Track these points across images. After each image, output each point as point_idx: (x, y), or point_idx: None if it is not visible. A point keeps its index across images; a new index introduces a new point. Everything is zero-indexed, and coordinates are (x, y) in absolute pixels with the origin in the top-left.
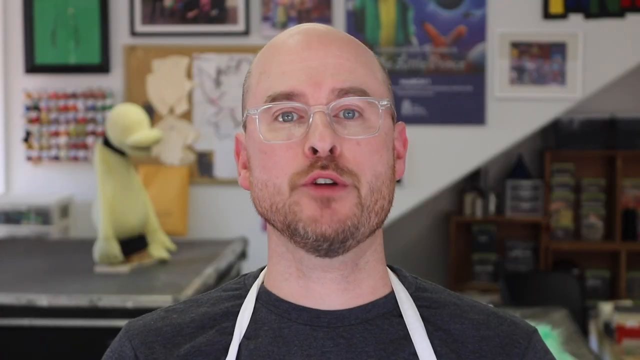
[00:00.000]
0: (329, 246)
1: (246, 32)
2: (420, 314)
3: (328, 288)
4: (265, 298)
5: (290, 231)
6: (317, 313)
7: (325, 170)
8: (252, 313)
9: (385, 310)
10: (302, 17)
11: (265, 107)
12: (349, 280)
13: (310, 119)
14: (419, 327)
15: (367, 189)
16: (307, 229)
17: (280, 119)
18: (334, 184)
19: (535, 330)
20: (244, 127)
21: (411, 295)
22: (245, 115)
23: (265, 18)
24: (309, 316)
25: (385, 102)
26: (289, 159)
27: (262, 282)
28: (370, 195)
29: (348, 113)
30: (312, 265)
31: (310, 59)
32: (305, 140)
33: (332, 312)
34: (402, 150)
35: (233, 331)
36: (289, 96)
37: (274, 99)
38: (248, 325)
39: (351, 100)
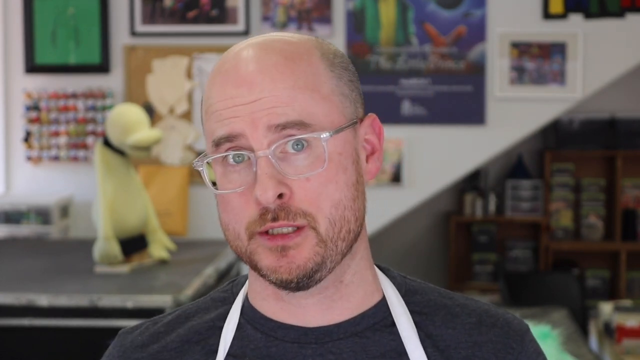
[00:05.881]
0: (296, 285)
1: (246, 32)
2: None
3: (311, 310)
4: (250, 314)
5: (257, 272)
6: (304, 330)
7: (277, 222)
8: (238, 329)
9: (376, 320)
10: (302, 17)
11: (212, 157)
12: (335, 299)
13: (254, 167)
14: (413, 336)
15: (327, 223)
16: (269, 276)
17: (232, 161)
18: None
19: (528, 329)
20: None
21: (402, 298)
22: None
23: (265, 18)
24: (296, 334)
25: (326, 135)
26: (243, 207)
27: (247, 293)
28: (331, 227)
29: (296, 145)
30: (289, 293)
31: (243, 95)
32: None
33: (319, 329)
34: (377, 143)
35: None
36: (230, 139)
37: (217, 144)
38: (234, 343)
39: (290, 138)
